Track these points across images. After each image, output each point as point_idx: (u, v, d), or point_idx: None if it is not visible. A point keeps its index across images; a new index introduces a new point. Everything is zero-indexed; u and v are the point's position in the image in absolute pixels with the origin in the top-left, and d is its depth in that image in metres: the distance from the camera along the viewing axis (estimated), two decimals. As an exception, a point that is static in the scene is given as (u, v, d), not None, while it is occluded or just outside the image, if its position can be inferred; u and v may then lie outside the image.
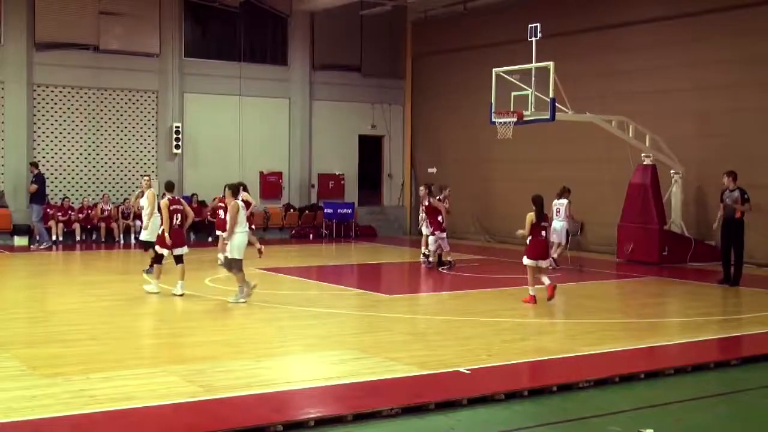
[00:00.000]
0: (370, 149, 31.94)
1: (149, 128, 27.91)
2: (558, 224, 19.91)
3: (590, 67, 24.56)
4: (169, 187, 15.84)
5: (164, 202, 15.21)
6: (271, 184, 29.77)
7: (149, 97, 27.87)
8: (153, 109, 27.93)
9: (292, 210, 29.48)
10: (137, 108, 27.72)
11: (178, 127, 27.73)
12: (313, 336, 12.08)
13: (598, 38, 24.73)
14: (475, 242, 27.54)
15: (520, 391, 8.97)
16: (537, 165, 26.22)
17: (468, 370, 9.85)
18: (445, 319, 13.88)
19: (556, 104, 19.37)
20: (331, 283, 17.02)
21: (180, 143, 27.75)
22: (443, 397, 8.63)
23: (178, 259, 15.25)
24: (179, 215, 15.19)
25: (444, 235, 19.67)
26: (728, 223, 17.43)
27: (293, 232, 28.86)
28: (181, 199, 15.87)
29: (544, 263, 15.20)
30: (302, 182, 30.12)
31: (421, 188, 20.38)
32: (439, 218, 19.46)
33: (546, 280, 14.90)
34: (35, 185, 24.10)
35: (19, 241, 24.82)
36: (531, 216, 14.89)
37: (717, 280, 17.70)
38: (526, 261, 14.92)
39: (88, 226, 25.79)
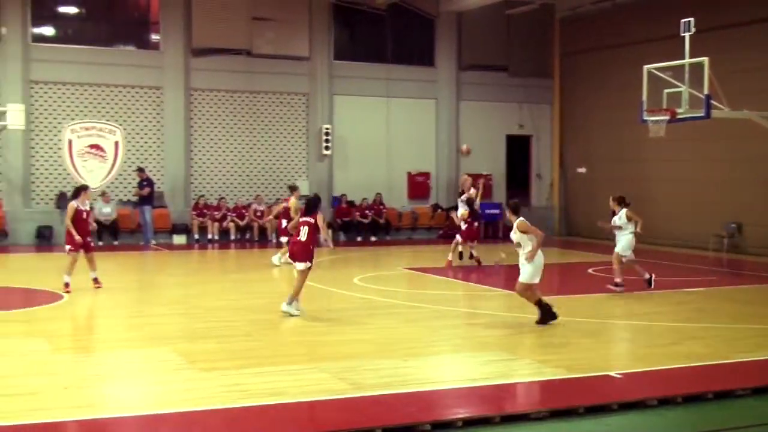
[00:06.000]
0: (517, 149, 31.68)
1: (300, 130, 28.54)
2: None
3: (747, 62, 23.56)
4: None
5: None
6: (419, 185, 29.95)
7: (300, 99, 28.50)
8: (303, 111, 28.55)
9: (439, 210, 29.52)
10: (288, 110, 28.40)
11: (328, 128, 28.24)
12: (460, 336, 12.10)
13: (755, 32, 23.73)
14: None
15: (674, 398, 8.73)
16: (690, 165, 25.40)
17: (618, 374, 9.65)
18: (595, 321, 13.61)
19: (711, 101, 18.73)
20: (477, 284, 16.95)
21: (329, 145, 28.25)
22: (593, 402, 8.49)
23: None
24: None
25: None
26: None
27: (441, 232, 28.84)
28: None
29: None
30: (449, 182, 30.09)
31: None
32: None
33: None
34: (148, 188, 25.14)
35: (178, 239, 25.91)
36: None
37: None
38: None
39: (242, 225, 26.60)
